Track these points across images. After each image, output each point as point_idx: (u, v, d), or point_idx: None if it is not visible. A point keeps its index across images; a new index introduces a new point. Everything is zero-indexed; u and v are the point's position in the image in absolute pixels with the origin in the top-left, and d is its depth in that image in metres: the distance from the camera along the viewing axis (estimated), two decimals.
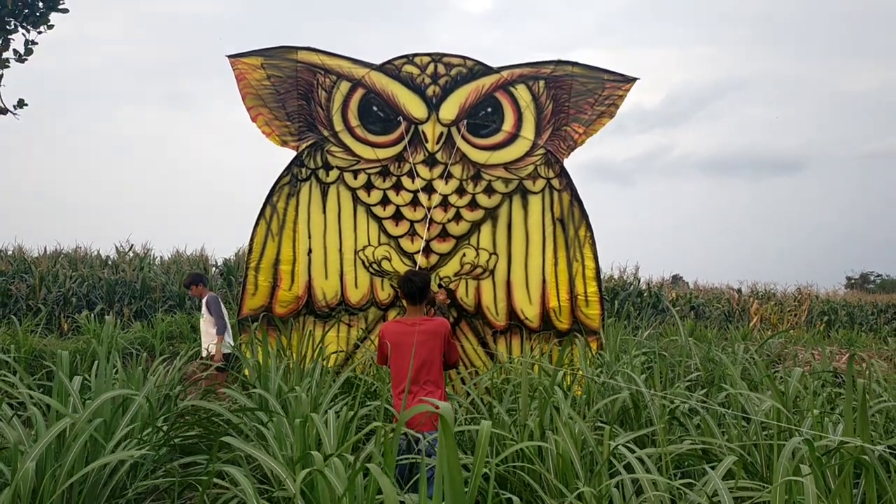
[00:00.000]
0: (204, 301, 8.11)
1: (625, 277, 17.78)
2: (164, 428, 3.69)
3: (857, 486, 3.22)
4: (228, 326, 8.13)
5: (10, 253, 16.23)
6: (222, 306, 8.18)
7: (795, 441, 2.70)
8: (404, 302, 4.70)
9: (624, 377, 4.60)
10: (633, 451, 3.09)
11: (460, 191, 7.59)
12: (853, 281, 43.06)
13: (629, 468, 2.97)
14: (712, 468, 2.80)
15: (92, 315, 11.92)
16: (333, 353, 7.20)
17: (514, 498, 2.24)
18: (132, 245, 17.38)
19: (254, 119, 7.43)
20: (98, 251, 17.08)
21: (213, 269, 16.85)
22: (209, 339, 7.96)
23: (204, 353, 7.92)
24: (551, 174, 7.65)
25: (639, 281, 17.51)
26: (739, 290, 18.38)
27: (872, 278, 46.30)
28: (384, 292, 7.57)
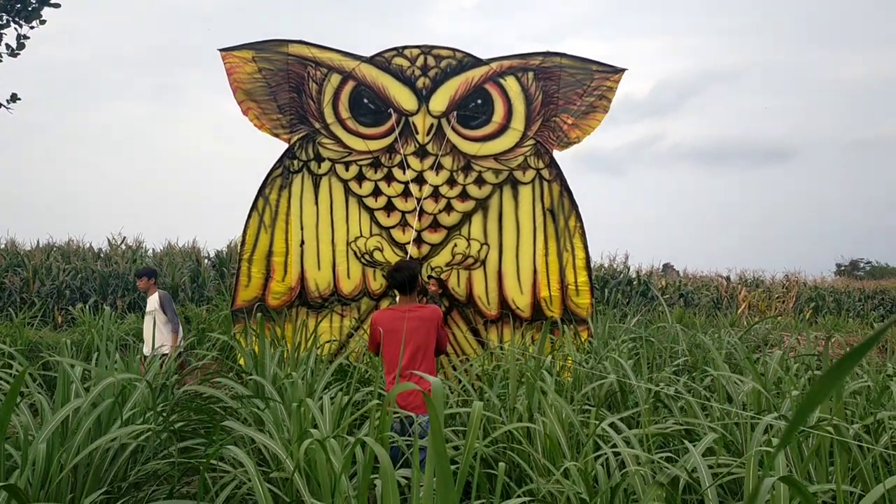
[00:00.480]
0: (157, 298, 7.70)
1: (615, 266, 17.94)
2: (164, 413, 3.79)
3: (832, 465, 3.35)
4: (180, 325, 7.85)
5: (2, 246, 16.22)
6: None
7: (770, 418, 2.82)
8: (396, 292, 4.78)
9: (611, 363, 4.73)
10: (619, 433, 3.22)
11: (451, 182, 7.69)
12: (843, 268, 43.37)
13: (615, 449, 3.10)
14: (694, 447, 2.92)
15: (86, 307, 11.97)
16: (327, 342, 7.29)
17: (502, 464, 2.35)
18: (124, 238, 17.44)
19: (245, 112, 7.50)
20: (90, 244, 17.14)
21: (206, 260, 16.90)
22: (161, 336, 7.49)
23: (148, 351, 7.21)
24: (541, 165, 7.75)
25: (628, 269, 17.68)
26: (728, 278, 18.56)
27: (862, 265, 46.61)
28: (376, 283, 7.66)
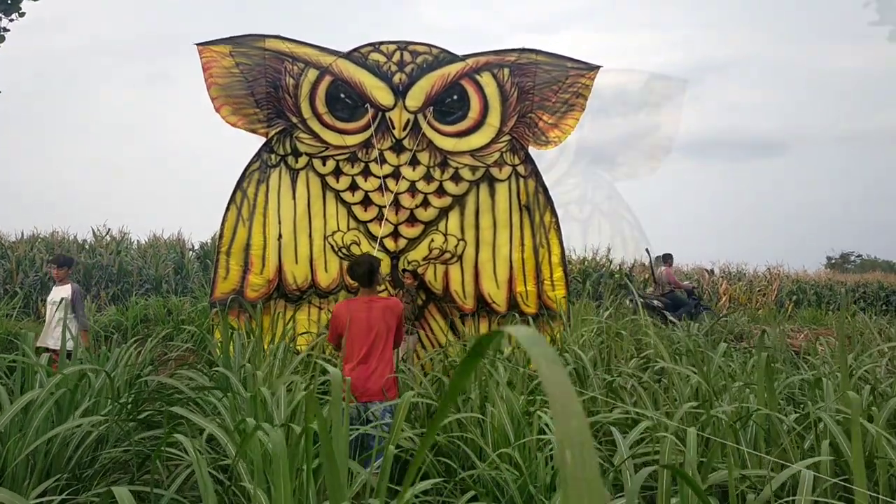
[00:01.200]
0: (69, 290, 7.21)
1: (597, 259, 18.07)
2: (128, 404, 3.90)
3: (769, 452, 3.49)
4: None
5: None
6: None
7: (687, 406, 2.96)
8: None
9: (571, 354, 4.86)
10: None
11: (427, 177, 7.77)
12: (833, 261, 43.80)
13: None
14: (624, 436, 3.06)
15: None
16: (302, 333, 7.39)
17: (391, 447, 2.47)
18: (109, 229, 17.41)
19: (218, 109, 7.54)
20: (75, 236, 17.10)
21: (190, 252, 16.94)
22: (66, 330, 7.01)
23: (51, 343, 6.85)
24: (517, 161, 7.85)
25: (610, 262, 17.81)
26: (711, 271, 18.70)
27: (853, 258, 47.04)
28: None
